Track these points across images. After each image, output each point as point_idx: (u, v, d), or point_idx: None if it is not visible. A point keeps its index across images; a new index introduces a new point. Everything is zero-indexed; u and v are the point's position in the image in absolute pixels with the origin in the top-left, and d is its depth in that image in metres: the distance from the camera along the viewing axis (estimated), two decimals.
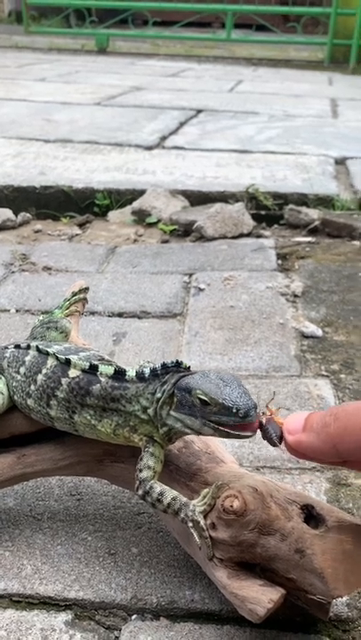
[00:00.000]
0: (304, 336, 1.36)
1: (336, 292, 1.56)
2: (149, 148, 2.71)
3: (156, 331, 1.38)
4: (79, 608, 0.76)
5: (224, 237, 1.91)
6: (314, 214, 1.99)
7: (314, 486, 0.94)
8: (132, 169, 2.42)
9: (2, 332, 1.37)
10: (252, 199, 2.13)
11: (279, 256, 1.78)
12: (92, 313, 1.45)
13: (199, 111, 3.52)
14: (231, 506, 0.68)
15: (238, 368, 1.24)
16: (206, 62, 6.06)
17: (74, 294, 0.99)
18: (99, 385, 0.75)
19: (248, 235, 1.95)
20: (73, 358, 0.77)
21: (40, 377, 0.79)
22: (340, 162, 2.58)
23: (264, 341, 1.33)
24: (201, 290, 1.56)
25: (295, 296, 1.54)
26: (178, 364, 0.71)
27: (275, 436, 0.64)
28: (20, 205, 2.16)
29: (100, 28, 6.75)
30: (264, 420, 0.66)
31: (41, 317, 0.95)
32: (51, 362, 0.79)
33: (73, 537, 0.85)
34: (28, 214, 2.13)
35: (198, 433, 0.70)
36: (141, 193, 2.16)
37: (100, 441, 0.78)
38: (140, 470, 0.72)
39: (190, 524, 0.70)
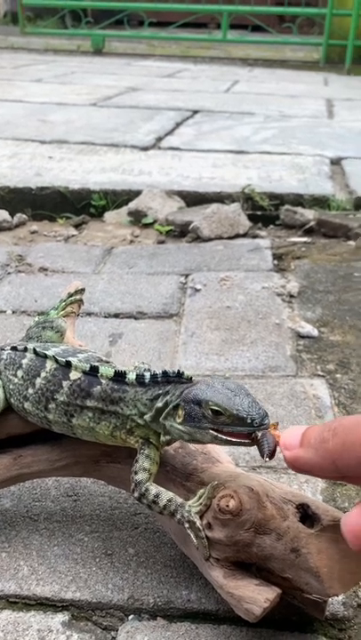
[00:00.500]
0: (300, 336, 1.36)
1: (332, 292, 1.57)
2: (145, 149, 2.71)
3: (153, 331, 1.38)
4: (76, 609, 0.76)
5: (220, 238, 1.91)
6: (310, 215, 2.00)
7: (310, 485, 0.94)
8: (128, 170, 2.42)
9: None
10: (248, 200, 2.13)
11: (275, 256, 1.78)
12: (89, 314, 1.45)
13: (195, 112, 3.52)
14: (227, 506, 0.68)
15: (234, 368, 1.24)
16: (202, 63, 6.06)
17: (70, 295, 0.99)
18: (99, 387, 0.75)
19: (244, 235, 1.96)
20: (73, 360, 0.77)
21: (39, 380, 0.78)
22: (336, 162, 2.59)
23: (260, 341, 1.33)
24: (197, 290, 1.57)
25: (291, 296, 1.54)
26: (180, 375, 0.71)
27: (267, 451, 0.64)
28: (15, 206, 2.16)
29: (96, 29, 6.76)
30: (259, 434, 0.65)
31: (37, 318, 0.95)
32: (50, 365, 0.78)
33: (70, 538, 0.85)
34: (24, 215, 2.13)
35: (202, 443, 0.70)
36: (137, 194, 2.16)
37: (96, 442, 0.79)
38: (136, 472, 0.72)
39: (187, 525, 0.70)
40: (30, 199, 2.19)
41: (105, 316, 1.45)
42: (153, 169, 2.43)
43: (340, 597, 0.76)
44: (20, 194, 2.20)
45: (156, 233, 2.02)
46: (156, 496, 0.71)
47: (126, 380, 0.74)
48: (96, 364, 0.76)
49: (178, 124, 3.19)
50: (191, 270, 1.69)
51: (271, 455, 0.64)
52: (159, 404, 0.71)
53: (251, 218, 2.04)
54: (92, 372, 0.75)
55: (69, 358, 0.78)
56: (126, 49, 6.65)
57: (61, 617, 0.75)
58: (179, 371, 0.71)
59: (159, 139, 2.88)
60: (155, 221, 2.06)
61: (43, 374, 0.78)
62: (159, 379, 0.72)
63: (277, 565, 0.68)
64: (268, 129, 3.14)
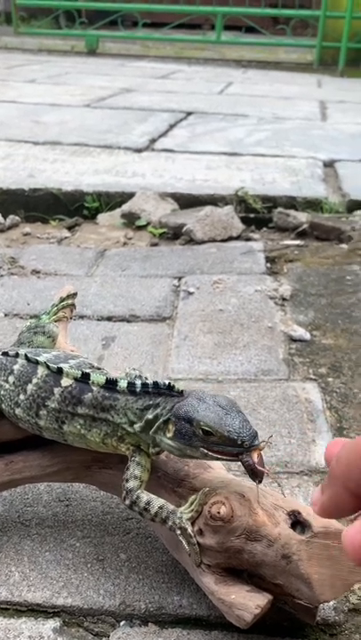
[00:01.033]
0: (292, 339, 1.36)
1: (324, 295, 1.57)
2: (139, 151, 2.71)
3: (146, 334, 1.38)
4: (67, 615, 0.76)
5: (213, 241, 1.91)
6: (302, 217, 2.00)
7: (302, 490, 0.94)
8: (122, 171, 2.42)
9: None
10: (241, 202, 2.13)
11: (268, 259, 1.78)
12: (82, 317, 1.45)
13: (189, 113, 3.52)
14: (218, 512, 0.68)
15: (227, 372, 1.24)
16: (196, 64, 6.06)
17: (62, 300, 0.98)
18: (90, 394, 0.75)
19: (237, 238, 1.96)
20: (64, 367, 0.77)
21: (30, 386, 0.78)
22: (329, 164, 2.59)
23: (253, 345, 1.34)
24: (190, 293, 1.57)
25: (284, 299, 1.54)
26: (170, 388, 0.71)
27: (258, 480, 0.67)
28: (8, 208, 2.16)
29: (90, 30, 6.74)
30: (251, 461, 0.66)
31: (29, 323, 0.95)
32: (41, 371, 0.78)
33: (61, 543, 0.85)
34: (16, 217, 2.12)
35: (191, 458, 0.71)
36: (131, 196, 2.16)
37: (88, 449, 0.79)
38: (127, 480, 0.72)
39: (178, 532, 0.70)
40: (23, 201, 2.18)
41: (98, 319, 1.45)
42: (146, 171, 2.43)
43: (331, 602, 0.77)
44: (12, 195, 2.19)
45: (149, 235, 2.02)
46: (148, 503, 0.71)
47: (117, 387, 0.74)
48: (88, 370, 0.76)
49: (172, 126, 3.19)
50: (184, 273, 1.69)
51: (261, 477, 0.66)
52: (149, 415, 0.71)
53: (244, 220, 2.05)
54: (84, 378, 0.75)
55: (61, 364, 0.77)
56: (120, 50, 6.64)
57: (53, 623, 0.75)
58: (170, 383, 0.71)
59: (153, 140, 2.88)
60: (148, 224, 2.06)
61: (34, 380, 0.78)
62: (150, 389, 0.72)
63: (269, 572, 0.68)
64: (262, 131, 3.14)
